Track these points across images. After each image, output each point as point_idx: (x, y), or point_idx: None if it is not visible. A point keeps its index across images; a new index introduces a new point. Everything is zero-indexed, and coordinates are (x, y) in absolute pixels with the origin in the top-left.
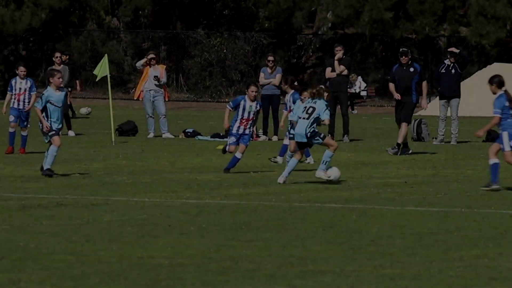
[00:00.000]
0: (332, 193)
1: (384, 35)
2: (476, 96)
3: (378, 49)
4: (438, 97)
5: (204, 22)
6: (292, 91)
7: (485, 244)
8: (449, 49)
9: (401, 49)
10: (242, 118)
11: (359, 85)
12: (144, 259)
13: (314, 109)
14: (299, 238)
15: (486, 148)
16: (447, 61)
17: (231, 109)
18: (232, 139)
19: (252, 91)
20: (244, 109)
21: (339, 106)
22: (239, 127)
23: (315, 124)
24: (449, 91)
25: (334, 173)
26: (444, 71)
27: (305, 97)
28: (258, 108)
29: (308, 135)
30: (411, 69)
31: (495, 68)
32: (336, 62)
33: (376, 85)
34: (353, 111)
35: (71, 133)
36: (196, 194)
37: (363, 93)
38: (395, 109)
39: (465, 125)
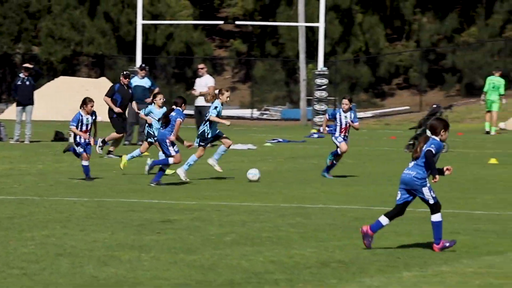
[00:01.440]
0: None
1: None
2: (46, 103)
3: None
4: (15, 104)
5: None
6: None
7: (53, 226)
8: (24, 65)
9: (124, 72)
10: (81, 130)
11: None
12: None
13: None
14: None
15: (54, 147)
16: (22, 75)
17: (75, 127)
18: (80, 149)
19: (91, 106)
20: (82, 122)
21: None
22: (80, 137)
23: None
24: (25, 100)
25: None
26: (20, 83)
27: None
28: (94, 119)
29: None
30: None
31: (62, 80)
32: None
33: None
34: None
35: None
36: None
37: None
38: (117, 121)
39: (37, 127)
